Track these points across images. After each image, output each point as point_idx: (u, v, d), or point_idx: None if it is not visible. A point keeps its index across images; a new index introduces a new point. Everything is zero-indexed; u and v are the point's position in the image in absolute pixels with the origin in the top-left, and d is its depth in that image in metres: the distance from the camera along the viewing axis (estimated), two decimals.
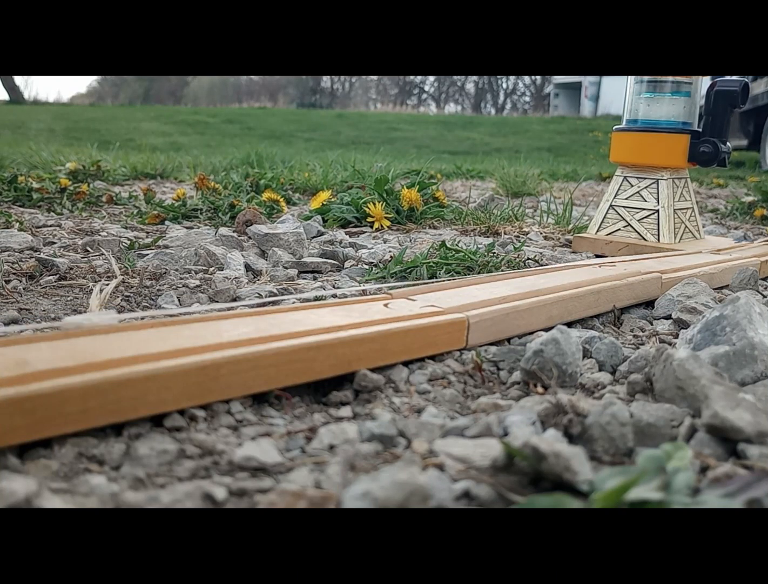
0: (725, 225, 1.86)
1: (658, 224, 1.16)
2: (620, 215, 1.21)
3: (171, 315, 0.67)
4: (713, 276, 0.92)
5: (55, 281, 0.84)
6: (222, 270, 0.94)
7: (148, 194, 1.71)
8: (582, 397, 0.48)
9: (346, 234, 1.32)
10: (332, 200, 1.57)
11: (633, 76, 1.22)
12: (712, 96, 1.17)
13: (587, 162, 4.44)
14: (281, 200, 1.56)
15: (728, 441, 0.44)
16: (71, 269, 0.90)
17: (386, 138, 6.61)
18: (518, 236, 1.36)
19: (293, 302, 0.78)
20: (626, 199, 1.21)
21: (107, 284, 0.78)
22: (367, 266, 0.98)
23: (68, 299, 0.77)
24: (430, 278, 0.87)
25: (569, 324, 0.71)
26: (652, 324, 0.76)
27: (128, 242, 1.09)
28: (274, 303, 0.77)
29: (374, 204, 1.40)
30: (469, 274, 0.89)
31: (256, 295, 0.77)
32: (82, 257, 1.00)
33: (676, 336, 0.70)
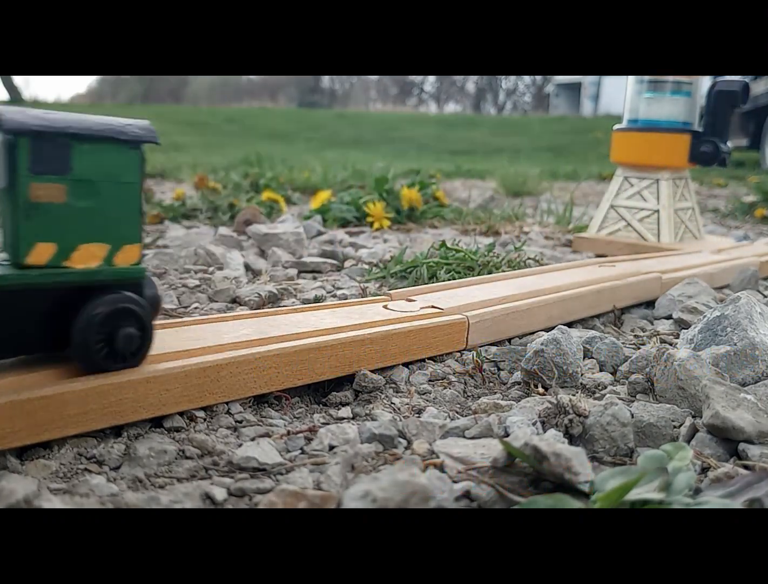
0: (725, 225, 1.86)
1: (659, 224, 1.16)
2: (620, 215, 1.21)
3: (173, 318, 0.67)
4: (713, 276, 0.92)
5: None
6: (221, 270, 0.94)
7: (148, 194, 1.71)
8: (583, 397, 0.47)
9: (346, 234, 1.32)
10: (332, 199, 1.57)
11: (633, 76, 1.21)
12: (712, 96, 1.17)
13: (587, 162, 4.44)
14: (281, 199, 1.56)
15: (729, 441, 0.44)
16: None
17: (386, 138, 6.61)
18: (518, 236, 1.35)
19: (293, 303, 0.78)
20: (627, 199, 1.21)
21: None
22: (367, 266, 0.98)
23: None
24: (430, 278, 0.87)
25: (570, 324, 0.71)
26: (652, 324, 0.76)
27: None
28: (274, 304, 0.77)
29: (374, 204, 1.40)
30: (469, 274, 0.89)
31: (256, 295, 0.77)
32: None
33: (677, 336, 0.70)
